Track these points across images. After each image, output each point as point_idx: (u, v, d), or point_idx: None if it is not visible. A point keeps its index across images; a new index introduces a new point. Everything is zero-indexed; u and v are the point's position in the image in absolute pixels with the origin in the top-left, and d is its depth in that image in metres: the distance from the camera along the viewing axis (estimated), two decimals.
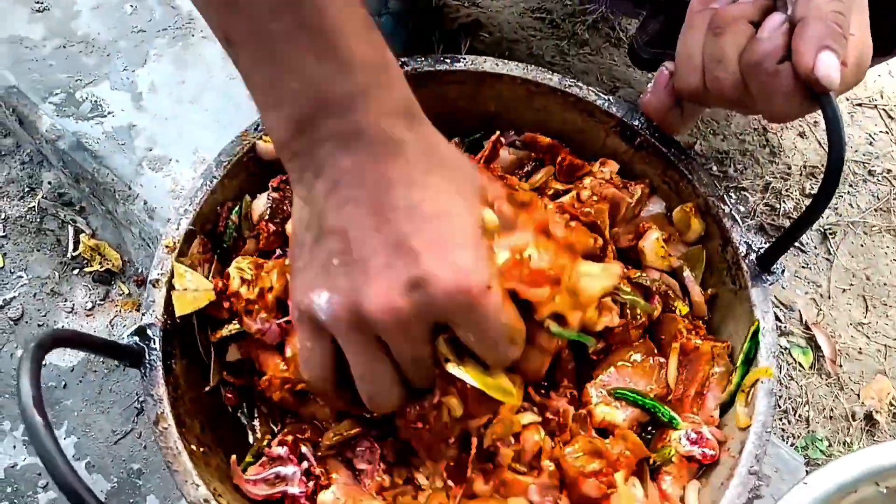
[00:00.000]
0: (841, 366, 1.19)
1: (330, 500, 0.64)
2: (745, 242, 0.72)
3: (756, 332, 0.68)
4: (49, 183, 1.06)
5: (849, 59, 0.61)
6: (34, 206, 1.05)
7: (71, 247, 1.02)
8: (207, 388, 0.69)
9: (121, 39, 1.00)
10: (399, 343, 0.53)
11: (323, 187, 0.52)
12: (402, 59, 0.78)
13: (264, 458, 0.67)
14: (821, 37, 0.59)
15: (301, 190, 0.54)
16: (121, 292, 1.01)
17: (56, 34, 1.00)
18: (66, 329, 0.79)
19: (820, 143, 1.39)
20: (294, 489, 0.66)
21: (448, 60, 0.79)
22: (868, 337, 1.23)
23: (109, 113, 0.95)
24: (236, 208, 0.72)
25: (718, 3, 0.66)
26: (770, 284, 0.71)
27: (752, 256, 0.71)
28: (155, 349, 0.64)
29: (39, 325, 0.98)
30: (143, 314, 0.66)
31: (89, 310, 0.99)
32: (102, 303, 1.00)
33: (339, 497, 0.64)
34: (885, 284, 1.26)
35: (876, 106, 1.44)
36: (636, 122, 0.76)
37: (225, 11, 0.50)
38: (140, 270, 1.02)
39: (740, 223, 0.73)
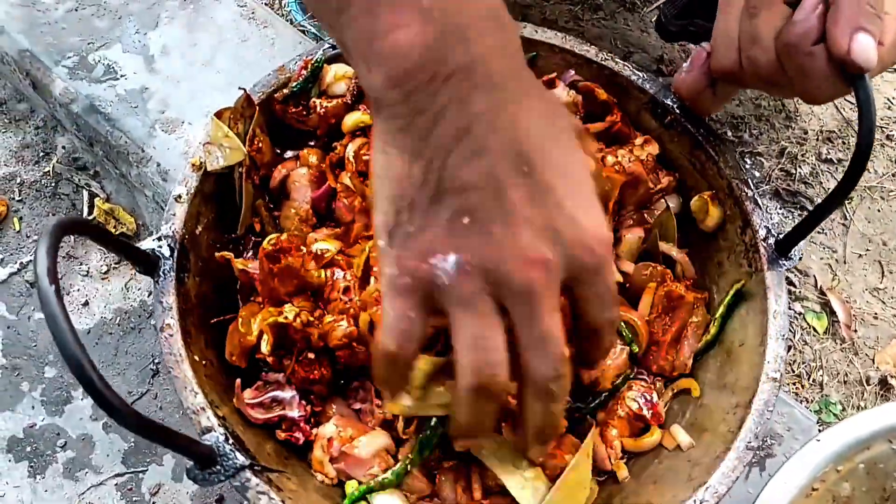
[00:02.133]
0: (856, 331, 1.19)
1: (331, 433, 0.64)
2: (766, 227, 0.72)
3: (739, 291, 0.69)
4: (63, 147, 1.06)
5: (885, 38, 0.61)
6: (49, 171, 1.05)
7: (86, 211, 1.03)
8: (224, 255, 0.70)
9: (132, 3, 1.00)
10: (532, 311, 0.47)
11: (447, 134, 0.46)
12: None
13: (260, 382, 0.68)
14: (855, 17, 0.58)
15: (406, 140, 0.47)
16: None
17: None
18: (82, 219, 0.77)
19: (837, 108, 1.37)
20: (293, 413, 0.67)
21: None
22: (884, 302, 1.22)
23: (122, 76, 0.95)
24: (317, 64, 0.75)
25: None
26: (786, 269, 0.71)
27: (771, 240, 0.71)
28: (169, 259, 0.66)
29: None
30: (162, 225, 0.67)
31: (105, 273, 1.00)
32: (117, 266, 1.01)
33: (339, 428, 0.64)
34: None
35: (895, 70, 1.42)
36: (668, 101, 0.76)
37: None
38: (153, 231, 1.03)
39: (762, 207, 0.73)
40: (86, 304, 0.98)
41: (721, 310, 0.70)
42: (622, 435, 0.69)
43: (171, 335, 0.64)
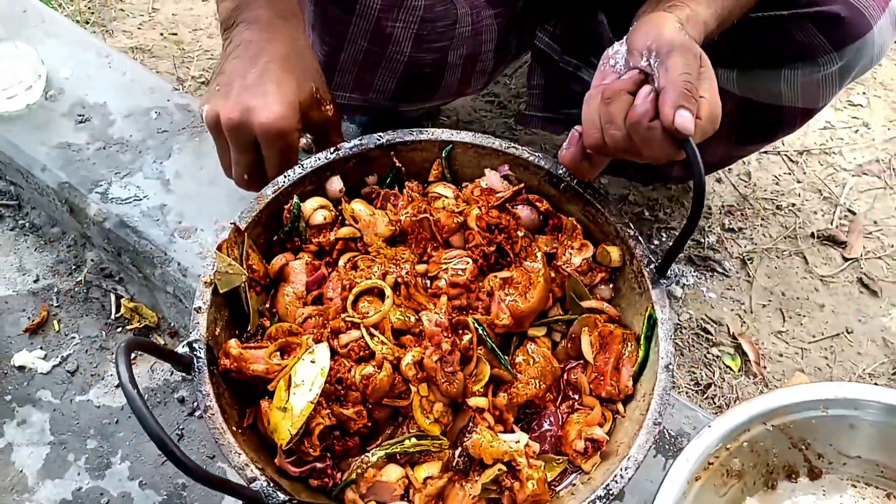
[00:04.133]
0: (765, 367, 1.41)
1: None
2: (647, 256, 0.95)
3: (651, 316, 0.91)
4: (92, 260, 1.28)
5: (702, 113, 0.84)
6: (80, 280, 1.26)
7: (114, 310, 1.24)
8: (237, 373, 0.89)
9: (149, 139, 1.24)
10: (231, 143, 0.98)
11: (231, 50, 0.99)
12: (380, 133, 1.02)
13: (295, 457, 0.87)
14: (676, 99, 0.82)
15: (224, 46, 1.01)
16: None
17: (97, 139, 1.24)
18: (142, 339, 0.99)
19: (734, 186, 1.64)
20: (320, 465, 0.86)
21: (414, 132, 1.03)
22: (787, 342, 1.45)
23: (145, 197, 1.18)
24: (295, 206, 0.97)
25: (608, 80, 0.91)
26: (666, 287, 0.94)
27: (651, 266, 0.94)
28: (201, 357, 0.86)
29: (92, 375, 1.18)
30: (190, 333, 0.87)
31: (133, 359, 1.20)
32: (142, 354, 1.21)
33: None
34: (797, 298, 1.50)
35: (779, 153, 1.71)
36: (560, 172, 1.00)
37: None
38: (172, 325, 1.23)
39: (642, 242, 0.96)
40: (118, 386, 1.17)
41: (643, 333, 0.91)
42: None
43: (213, 415, 0.84)
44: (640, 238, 0.96)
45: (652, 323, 0.91)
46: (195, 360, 0.86)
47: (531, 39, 1.32)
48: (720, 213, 1.62)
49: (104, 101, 1.28)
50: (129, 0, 1.97)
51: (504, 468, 0.84)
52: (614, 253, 0.97)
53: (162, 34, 1.89)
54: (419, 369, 0.86)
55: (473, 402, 0.87)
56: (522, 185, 1.00)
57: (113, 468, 1.11)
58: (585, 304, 0.95)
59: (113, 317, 1.24)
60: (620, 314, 0.96)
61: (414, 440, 0.86)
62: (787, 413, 0.92)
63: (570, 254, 0.98)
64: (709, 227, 1.59)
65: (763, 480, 0.95)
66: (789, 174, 1.68)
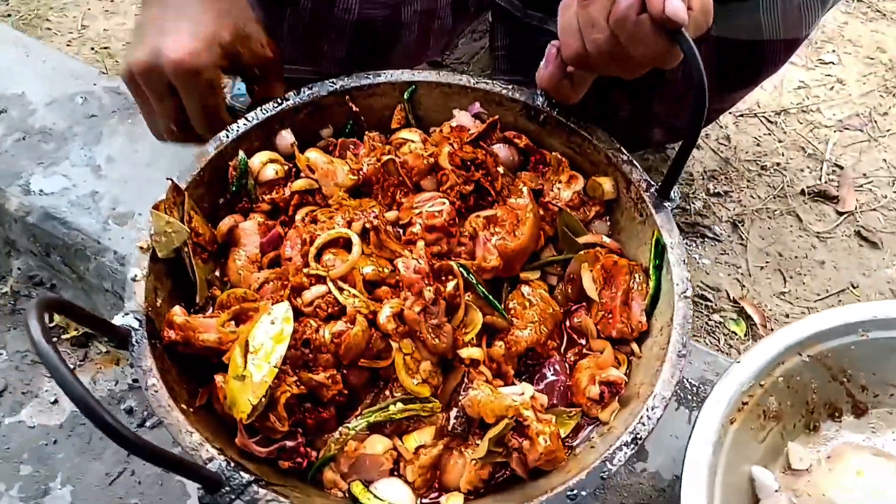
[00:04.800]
0: (772, 329, 1.30)
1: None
2: (645, 180, 0.84)
3: (658, 241, 0.79)
4: (18, 269, 1.13)
5: (693, 4, 0.75)
6: (6, 292, 1.11)
7: (46, 319, 1.09)
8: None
9: (75, 126, 1.11)
10: (147, 89, 0.86)
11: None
12: (332, 79, 0.90)
13: (260, 437, 0.73)
14: None
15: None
16: (99, 351, 1.07)
17: (15, 130, 1.10)
18: (63, 299, 0.83)
19: (714, 151, 1.55)
20: (290, 442, 0.72)
21: (371, 75, 0.92)
22: (791, 303, 1.35)
23: (73, 185, 1.05)
24: (241, 163, 0.85)
25: None
26: (671, 209, 0.83)
27: (652, 189, 0.83)
28: (139, 329, 0.72)
29: (24, 393, 1.03)
30: (125, 304, 0.74)
31: (76, 369, 1.05)
32: (83, 363, 1.06)
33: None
34: (795, 257, 1.40)
35: (755, 115, 1.62)
36: (538, 103, 0.89)
37: None
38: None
39: (638, 167, 0.85)
40: (55, 402, 1.02)
41: (651, 262, 0.79)
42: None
43: (157, 391, 0.70)
44: (634, 162, 0.85)
45: (660, 249, 0.80)
46: (132, 333, 0.72)
47: None
48: (702, 178, 1.52)
49: (22, 91, 1.14)
50: (56, 19, 1.85)
51: (510, 425, 0.71)
52: (606, 184, 0.86)
53: (93, 48, 1.76)
54: (400, 322, 0.73)
55: (466, 353, 0.74)
56: (496, 117, 0.89)
57: (52, 493, 0.96)
58: (582, 239, 0.83)
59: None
60: (622, 248, 0.85)
61: (400, 405, 0.73)
62: (822, 340, 0.80)
63: (559, 188, 0.86)
64: (693, 193, 1.49)
65: (803, 422, 0.83)
66: (769, 135, 1.60)
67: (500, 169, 0.86)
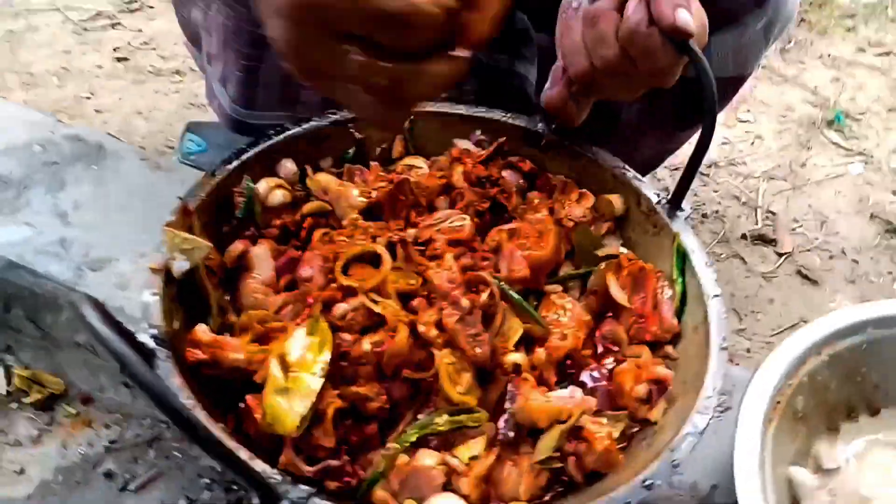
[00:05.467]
0: (737, 363, 1.33)
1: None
2: (655, 193, 0.86)
3: (679, 248, 0.81)
4: None
5: (696, 19, 0.79)
6: None
7: (3, 383, 0.99)
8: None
9: (35, 174, 1.04)
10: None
11: None
12: (332, 109, 0.89)
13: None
14: (673, 1, 0.76)
15: None
16: (67, 413, 0.97)
17: None
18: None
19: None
20: (335, 462, 0.67)
21: None
22: (749, 339, 1.39)
23: (38, 233, 0.97)
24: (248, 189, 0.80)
25: (574, 23, 0.83)
26: (685, 219, 0.85)
27: (663, 201, 0.85)
28: (163, 349, 0.66)
29: None
30: (142, 325, 0.68)
31: (37, 437, 0.95)
32: (49, 428, 0.96)
33: None
34: (746, 297, 1.46)
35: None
36: (538, 127, 0.91)
37: None
38: (83, 389, 1.00)
39: (645, 181, 0.87)
40: (21, 471, 0.92)
41: (675, 267, 0.80)
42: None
43: (195, 408, 0.64)
44: (641, 178, 0.87)
45: (682, 254, 0.81)
46: (157, 352, 0.66)
47: None
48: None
49: None
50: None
51: (566, 428, 0.68)
52: (616, 201, 0.87)
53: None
54: (440, 331, 0.71)
55: (510, 359, 0.72)
56: (504, 139, 0.89)
57: None
58: (602, 252, 0.84)
59: (4, 391, 0.98)
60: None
61: (446, 417, 0.69)
62: (837, 339, 0.83)
63: (570, 206, 0.87)
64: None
65: (825, 424, 0.84)
66: (704, 186, 1.68)
67: (514, 188, 0.86)
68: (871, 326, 0.84)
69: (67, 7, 2.03)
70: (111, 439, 0.96)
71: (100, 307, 0.55)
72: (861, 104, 1.92)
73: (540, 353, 0.74)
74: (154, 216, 0.74)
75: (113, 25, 2.00)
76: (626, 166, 0.88)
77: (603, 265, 0.81)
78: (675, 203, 0.84)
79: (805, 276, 1.51)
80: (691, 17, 0.75)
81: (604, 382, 0.76)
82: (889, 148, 1.80)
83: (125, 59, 1.91)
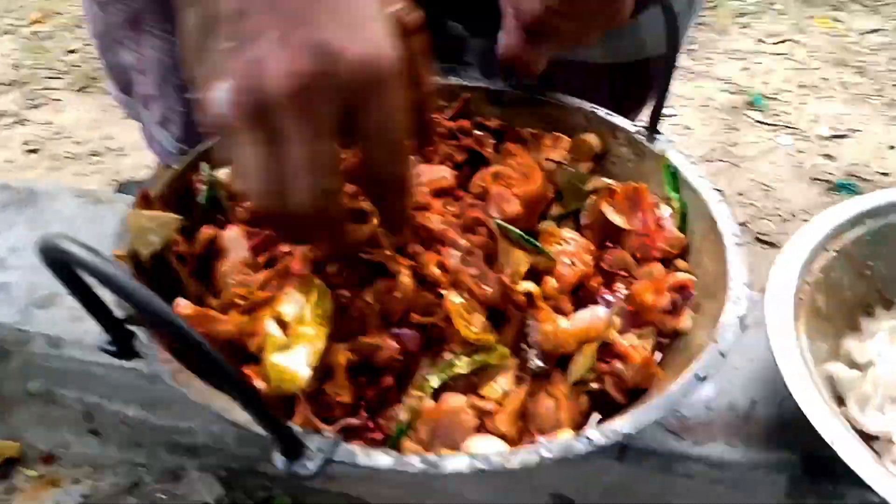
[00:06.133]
0: None
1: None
2: (630, 124, 0.84)
3: (668, 166, 0.78)
4: None
5: None
6: None
7: None
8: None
9: None
10: (300, 123, 0.46)
11: None
12: None
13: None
14: None
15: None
16: (28, 478, 0.86)
17: None
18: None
19: None
20: (354, 420, 0.60)
21: None
22: None
23: None
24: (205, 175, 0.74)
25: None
26: (666, 141, 0.83)
27: (640, 128, 0.83)
28: (140, 330, 0.58)
29: None
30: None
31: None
32: (9, 497, 0.84)
33: None
34: None
35: None
36: (499, 86, 0.88)
37: None
38: (44, 448, 0.89)
39: (616, 115, 0.85)
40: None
41: (668, 185, 0.77)
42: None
43: (188, 380, 0.56)
44: (612, 113, 0.85)
45: (672, 172, 0.78)
46: (136, 334, 0.58)
47: None
48: None
49: None
50: None
51: (596, 345, 0.63)
52: (592, 139, 0.84)
53: None
54: (444, 272, 0.65)
55: (522, 287, 0.66)
56: (469, 95, 0.86)
57: None
58: (590, 185, 0.80)
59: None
60: None
61: (466, 358, 0.63)
62: (839, 234, 0.80)
63: (546, 152, 0.83)
64: None
65: (847, 323, 0.81)
66: None
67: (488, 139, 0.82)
68: (868, 217, 0.82)
69: None
70: (83, 494, 0.85)
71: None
72: (774, 85, 1.98)
73: (550, 281, 0.69)
74: (100, 245, 0.66)
75: (20, 122, 1.92)
76: (595, 105, 0.85)
77: (594, 196, 0.78)
78: (652, 128, 0.82)
79: (764, 241, 1.51)
80: None
81: (622, 304, 0.71)
82: (808, 118, 1.86)
83: (37, 150, 1.83)
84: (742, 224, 1.54)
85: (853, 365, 0.77)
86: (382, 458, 0.53)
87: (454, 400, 0.61)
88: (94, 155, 1.80)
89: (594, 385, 0.64)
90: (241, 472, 0.87)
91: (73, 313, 0.85)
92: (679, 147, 0.81)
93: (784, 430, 0.74)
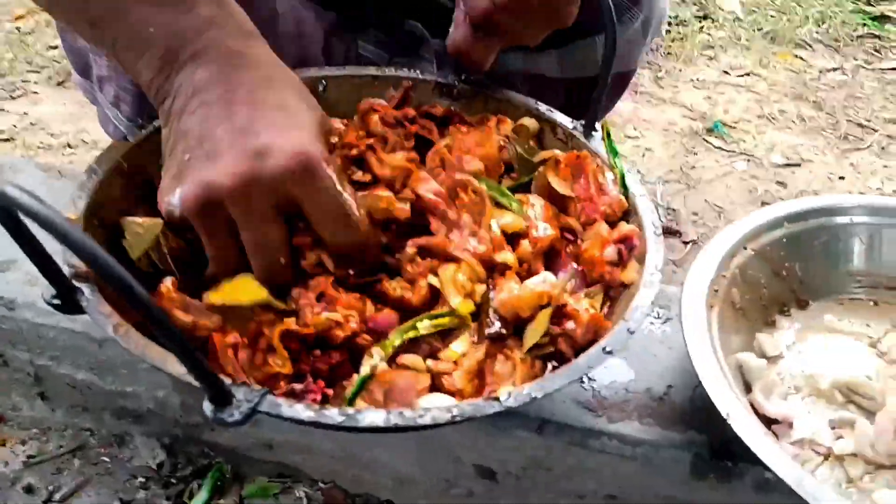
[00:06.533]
0: None
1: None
2: (568, 121, 0.88)
3: (607, 131, 0.83)
4: None
5: None
6: None
7: None
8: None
9: None
10: (246, 218, 0.59)
11: (180, 101, 0.61)
12: None
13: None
14: None
15: (163, 118, 0.63)
16: None
17: None
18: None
19: None
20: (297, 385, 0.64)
21: None
22: None
23: None
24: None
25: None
26: (600, 139, 0.87)
27: (579, 126, 0.87)
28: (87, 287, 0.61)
29: None
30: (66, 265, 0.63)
31: None
32: None
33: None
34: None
35: None
36: (448, 80, 0.92)
37: (82, 4, 0.63)
38: None
39: (557, 112, 0.90)
40: None
41: (607, 148, 0.83)
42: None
43: (127, 330, 0.59)
44: (553, 110, 0.90)
45: (609, 136, 0.83)
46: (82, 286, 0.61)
47: (355, 49, 1.27)
48: None
49: None
50: None
51: (550, 311, 0.67)
52: (530, 122, 0.88)
53: None
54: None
55: (501, 258, 0.71)
56: (410, 83, 0.91)
57: None
58: (538, 157, 0.83)
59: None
60: None
61: (427, 321, 0.67)
62: (760, 234, 0.86)
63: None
64: None
65: (762, 318, 0.86)
66: None
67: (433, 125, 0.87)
68: (787, 221, 0.88)
69: None
70: (29, 454, 0.88)
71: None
72: (734, 115, 2.05)
73: (525, 245, 0.73)
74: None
75: None
76: (539, 102, 0.90)
77: (541, 168, 0.82)
78: (589, 125, 0.87)
79: None
80: None
81: (572, 264, 0.75)
82: (766, 147, 1.93)
83: (11, 139, 1.85)
84: (693, 242, 1.60)
85: (764, 357, 0.82)
86: (304, 411, 0.56)
87: (409, 359, 0.65)
88: (67, 147, 1.83)
89: (550, 349, 0.68)
90: (183, 439, 0.90)
91: (28, 278, 0.88)
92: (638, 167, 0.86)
93: (695, 415, 0.78)
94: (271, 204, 0.60)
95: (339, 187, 0.62)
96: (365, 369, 0.63)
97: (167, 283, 0.64)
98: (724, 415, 0.67)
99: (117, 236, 0.70)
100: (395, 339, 0.65)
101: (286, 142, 0.58)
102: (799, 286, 0.88)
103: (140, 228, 0.70)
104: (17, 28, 2.28)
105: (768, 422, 0.75)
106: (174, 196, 0.59)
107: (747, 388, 0.79)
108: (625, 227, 0.74)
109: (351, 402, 0.62)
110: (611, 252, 0.72)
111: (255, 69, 0.63)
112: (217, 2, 0.64)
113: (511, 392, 0.59)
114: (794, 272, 0.88)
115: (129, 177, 0.76)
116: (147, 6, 0.62)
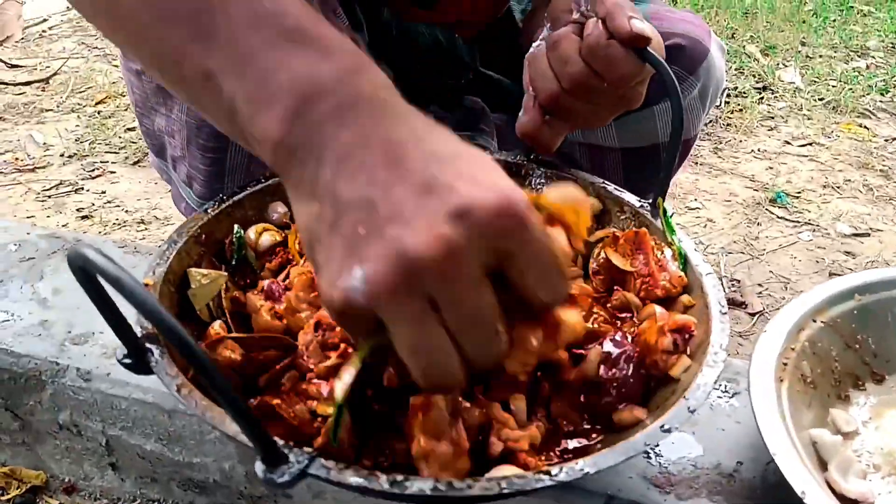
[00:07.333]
0: None
1: None
2: (636, 200, 0.89)
3: (664, 210, 0.83)
4: None
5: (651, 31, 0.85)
6: None
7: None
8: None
9: (11, 269, 1.03)
10: (454, 290, 0.48)
11: (330, 169, 0.50)
12: None
13: None
14: (626, 12, 0.81)
15: (305, 188, 0.51)
16: None
17: None
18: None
19: None
20: None
21: None
22: None
23: (18, 318, 0.95)
24: (237, 236, 0.80)
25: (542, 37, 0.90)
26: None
27: (646, 205, 0.88)
28: (158, 347, 0.64)
29: None
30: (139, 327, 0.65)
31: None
32: None
33: None
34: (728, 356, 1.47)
35: None
36: (518, 159, 0.94)
37: (202, 49, 0.55)
38: (67, 479, 0.94)
39: (624, 191, 0.91)
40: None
41: (666, 229, 0.82)
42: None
43: (190, 391, 0.62)
44: (620, 189, 0.91)
45: (671, 227, 0.83)
46: (151, 351, 0.64)
47: None
48: None
49: None
50: None
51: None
52: (593, 201, 0.89)
53: None
54: None
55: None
56: None
57: None
58: (595, 236, 0.84)
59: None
60: None
61: None
62: (830, 306, 0.84)
63: None
64: None
65: (835, 392, 0.83)
66: None
67: None
68: (857, 293, 0.86)
69: (29, 181, 2.08)
70: None
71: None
72: (797, 185, 2.03)
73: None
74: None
75: (76, 191, 2.05)
76: (606, 181, 0.91)
77: (599, 245, 0.83)
78: (655, 202, 0.87)
79: None
80: (646, 26, 0.81)
81: (628, 347, 0.74)
82: (831, 216, 1.90)
83: (89, 216, 1.94)
84: (759, 313, 1.57)
85: (839, 433, 0.79)
86: (352, 476, 0.56)
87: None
88: (141, 223, 1.91)
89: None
90: None
91: (104, 351, 0.92)
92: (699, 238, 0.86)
93: (767, 493, 0.76)
94: (481, 266, 0.48)
95: (546, 236, 0.52)
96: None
97: (216, 329, 0.67)
98: (799, 493, 0.65)
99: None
100: None
101: (485, 192, 0.48)
102: (873, 359, 0.86)
103: (205, 279, 0.73)
104: (98, 112, 2.41)
105: (845, 501, 0.72)
106: (354, 278, 0.47)
107: (822, 466, 0.76)
108: (681, 318, 0.73)
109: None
110: (667, 341, 0.71)
111: (411, 119, 0.53)
112: (353, 49, 0.55)
113: (563, 467, 0.59)
114: (866, 345, 0.85)
115: (206, 245, 0.80)
116: (278, 51, 0.53)
